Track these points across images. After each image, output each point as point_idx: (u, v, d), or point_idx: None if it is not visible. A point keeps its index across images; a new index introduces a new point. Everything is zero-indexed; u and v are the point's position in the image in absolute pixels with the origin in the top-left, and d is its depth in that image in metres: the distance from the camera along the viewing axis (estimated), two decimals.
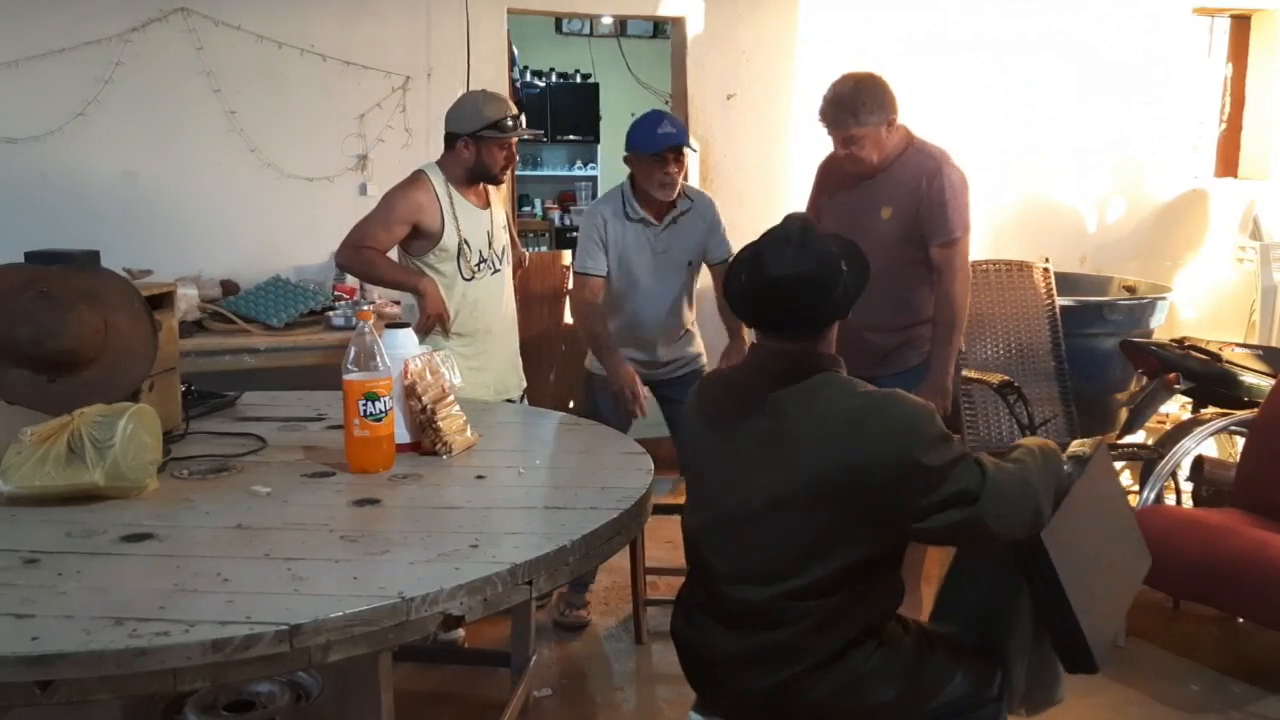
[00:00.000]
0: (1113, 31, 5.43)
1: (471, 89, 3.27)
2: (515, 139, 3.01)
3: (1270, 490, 3.09)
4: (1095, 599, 1.82)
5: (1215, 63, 5.86)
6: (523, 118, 3.04)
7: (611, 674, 3.07)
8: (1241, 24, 5.85)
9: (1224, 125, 5.94)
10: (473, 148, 2.96)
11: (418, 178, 3.02)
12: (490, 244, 3.12)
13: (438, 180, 3.01)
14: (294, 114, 4.25)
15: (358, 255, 3.01)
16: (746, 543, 1.75)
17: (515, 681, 2.68)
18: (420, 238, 2.99)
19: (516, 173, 6.20)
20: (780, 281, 1.72)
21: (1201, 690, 2.94)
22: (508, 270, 3.23)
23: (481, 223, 3.09)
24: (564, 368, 5.20)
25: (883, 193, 2.97)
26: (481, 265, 3.08)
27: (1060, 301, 4.27)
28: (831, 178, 3.15)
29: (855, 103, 2.88)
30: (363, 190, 4.34)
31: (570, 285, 3.17)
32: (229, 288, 4.03)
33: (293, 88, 4.22)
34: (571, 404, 5.04)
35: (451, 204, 3.00)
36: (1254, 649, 3.15)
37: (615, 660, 3.15)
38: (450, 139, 3.01)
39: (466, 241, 3.02)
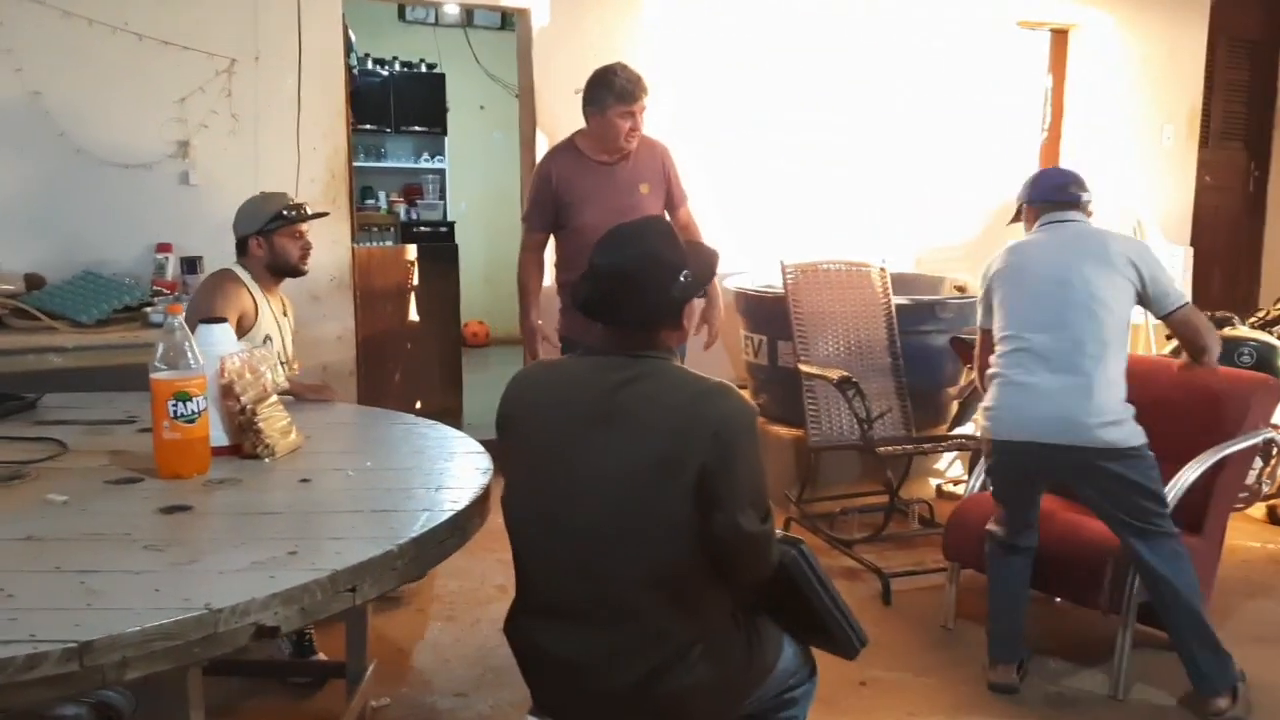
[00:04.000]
0: (948, 42, 5.67)
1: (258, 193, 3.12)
2: (302, 226, 3.01)
3: None
4: None
5: (1038, 74, 6.19)
6: (306, 206, 3.07)
7: (455, 680, 2.98)
8: (1060, 37, 6.20)
9: (1045, 134, 6.28)
10: (265, 245, 2.95)
11: (226, 273, 2.96)
12: (285, 352, 3.06)
13: (245, 277, 2.96)
14: (107, 96, 3.98)
15: None
16: (582, 533, 1.71)
17: (351, 692, 2.58)
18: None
19: (358, 164, 6.02)
20: (604, 273, 1.77)
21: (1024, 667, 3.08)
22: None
23: (283, 329, 3.07)
24: (409, 367, 5.07)
25: (635, 173, 3.51)
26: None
27: (896, 300, 4.40)
28: (570, 174, 3.49)
29: (641, 80, 3.42)
30: (184, 179, 4.10)
31: None
32: (34, 281, 3.75)
33: (105, 68, 3.95)
34: (419, 404, 4.91)
35: (264, 300, 2.97)
36: (1068, 626, 3.31)
37: (459, 666, 3.06)
38: (242, 244, 2.98)
39: (269, 338, 2.97)
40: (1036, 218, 3.03)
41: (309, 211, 3.05)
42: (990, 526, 2.97)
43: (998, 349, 2.89)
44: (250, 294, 2.92)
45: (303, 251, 3.00)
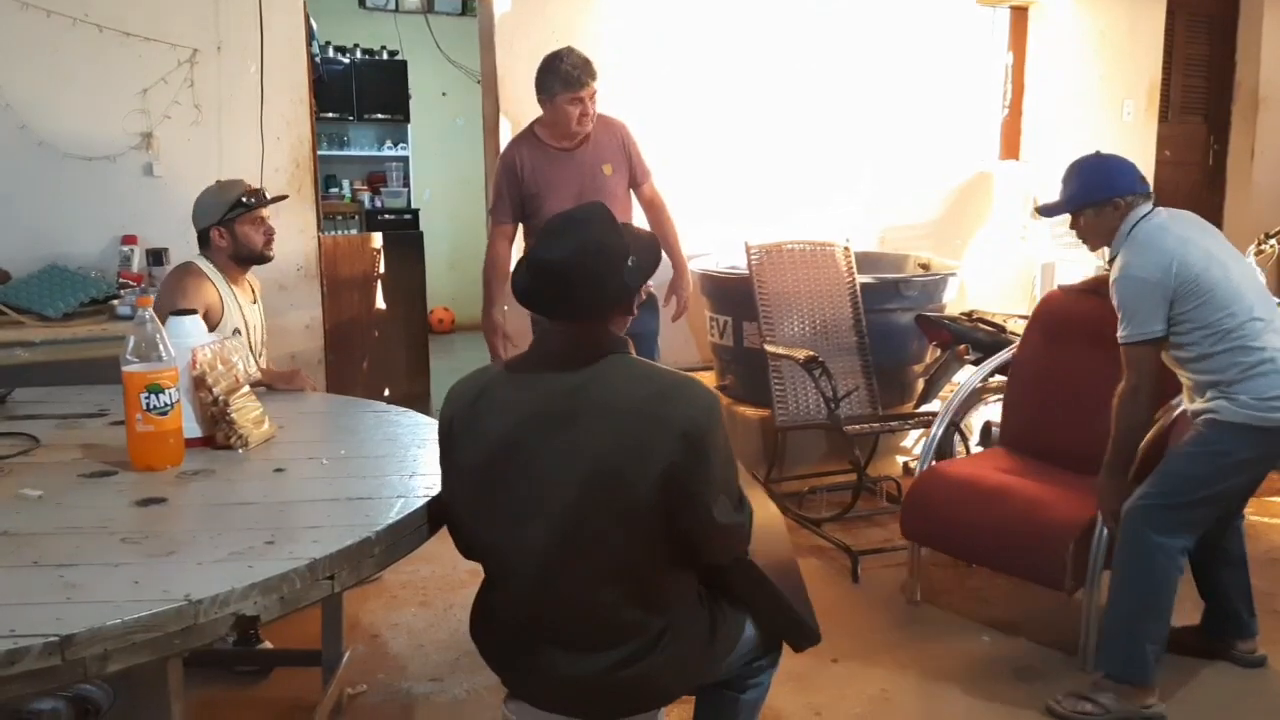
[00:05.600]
0: (909, 20, 5.70)
1: (216, 180, 3.09)
2: (264, 211, 2.98)
3: (1027, 428, 3.38)
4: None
5: (998, 51, 6.24)
6: (265, 191, 3.04)
7: (430, 665, 3.01)
8: (1020, 14, 6.25)
9: (1006, 111, 6.34)
10: (227, 235, 2.93)
11: (189, 267, 2.93)
12: (253, 341, 3.04)
13: (208, 269, 2.93)
14: (69, 89, 3.93)
15: None
16: (544, 537, 1.69)
17: (327, 680, 2.60)
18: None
19: (321, 153, 5.97)
20: (549, 266, 1.70)
21: (992, 641, 3.14)
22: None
23: (252, 317, 3.04)
24: (377, 355, 5.06)
25: (596, 155, 3.54)
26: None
27: (860, 279, 4.44)
28: (533, 163, 3.51)
29: (589, 63, 3.42)
30: (148, 170, 4.07)
31: None
32: None
33: (66, 60, 3.90)
34: (387, 391, 4.91)
35: (229, 291, 2.95)
36: (1035, 600, 3.38)
37: (434, 651, 3.09)
38: (203, 236, 2.96)
39: (238, 330, 2.94)
40: (1126, 211, 2.71)
41: (268, 196, 3.01)
42: (1181, 537, 2.66)
43: (1231, 335, 2.57)
44: (215, 287, 2.89)
45: (266, 237, 2.97)
